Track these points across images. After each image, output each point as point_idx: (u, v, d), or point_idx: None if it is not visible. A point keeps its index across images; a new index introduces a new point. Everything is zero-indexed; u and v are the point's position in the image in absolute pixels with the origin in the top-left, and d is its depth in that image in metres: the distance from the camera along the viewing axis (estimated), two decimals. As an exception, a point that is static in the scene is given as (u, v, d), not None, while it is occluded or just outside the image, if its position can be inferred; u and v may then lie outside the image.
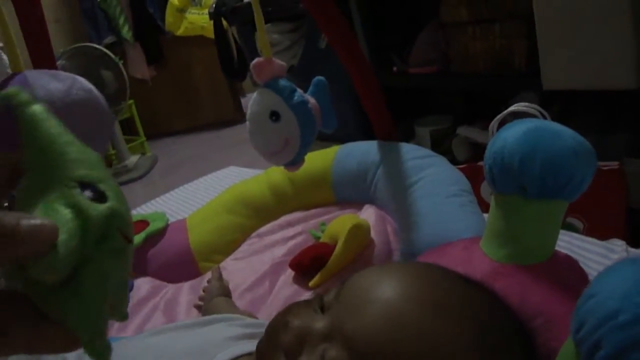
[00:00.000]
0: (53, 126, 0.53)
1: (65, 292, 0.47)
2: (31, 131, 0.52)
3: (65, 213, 0.47)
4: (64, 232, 0.46)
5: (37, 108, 0.52)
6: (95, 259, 0.48)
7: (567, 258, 0.91)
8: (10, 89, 0.52)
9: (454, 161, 1.42)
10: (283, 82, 1.04)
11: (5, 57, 3.49)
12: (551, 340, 0.69)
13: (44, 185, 0.50)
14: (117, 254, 0.51)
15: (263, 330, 0.76)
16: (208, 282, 1.20)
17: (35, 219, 0.43)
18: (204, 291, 1.20)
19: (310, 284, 1.22)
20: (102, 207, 0.50)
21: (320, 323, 0.64)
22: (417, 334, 0.58)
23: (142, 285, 1.41)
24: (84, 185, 0.50)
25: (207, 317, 0.89)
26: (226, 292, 1.12)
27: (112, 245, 0.50)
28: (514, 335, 0.64)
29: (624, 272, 0.51)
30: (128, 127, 4.67)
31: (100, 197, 0.51)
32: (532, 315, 0.68)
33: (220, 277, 1.20)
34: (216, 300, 1.09)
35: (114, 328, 1.27)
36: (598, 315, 0.48)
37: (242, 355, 0.73)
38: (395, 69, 2.63)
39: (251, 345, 0.74)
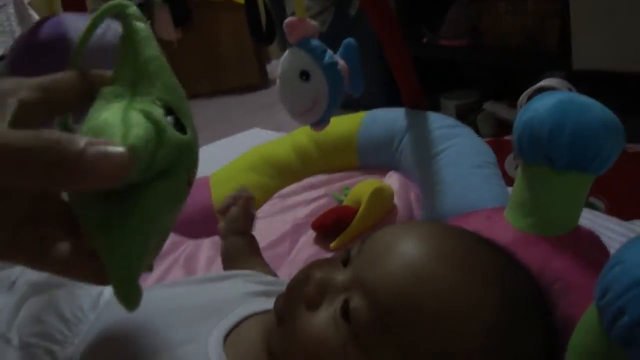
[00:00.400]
0: (155, 47, 0.53)
1: (115, 223, 0.46)
2: (135, 44, 0.52)
3: (143, 121, 0.47)
4: (141, 130, 0.45)
5: (143, 25, 0.53)
6: (154, 194, 0.48)
7: (590, 233, 0.91)
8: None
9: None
10: (314, 42, 1.04)
11: (33, 12, 3.50)
12: (569, 306, 0.69)
13: (129, 97, 0.50)
14: (176, 196, 0.51)
15: (281, 288, 0.77)
16: (230, 203, 1.09)
17: (105, 145, 0.42)
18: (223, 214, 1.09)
19: (332, 245, 1.23)
20: (180, 136, 0.50)
21: (342, 275, 0.65)
22: (437, 287, 0.59)
23: (162, 239, 1.41)
24: (168, 110, 0.51)
25: (224, 273, 0.89)
26: (248, 227, 1.08)
27: (175, 183, 0.50)
28: (534, 297, 0.64)
29: None
30: (153, 89, 4.67)
31: (179, 127, 0.51)
32: (552, 281, 0.69)
33: (246, 208, 1.08)
34: (237, 244, 1.06)
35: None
36: (624, 281, 0.48)
37: (258, 313, 0.73)
38: (425, 40, 2.62)
39: (268, 303, 0.74)
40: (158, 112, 0.49)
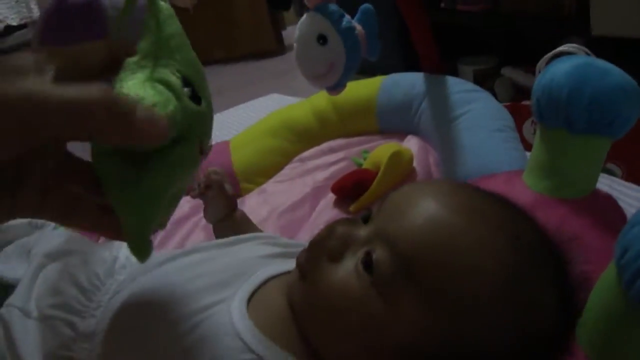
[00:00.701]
0: (177, 25, 0.58)
1: (131, 183, 0.50)
2: (159, 21, 0.56)
3: (164, 90, 0.51)
4: (164, 99, 0.50)
5: (166, 4, 0.58)
6: (168, 159, 0.52)
7: (608, 197, 0.92)
8: None
9: (496, 101, 1.42)
10: (332, 7, 1.05)
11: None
12: (586, 263, 0.71)
13: (152, 68, 0.53)
14: (188, 161, 0.55)
15: (298, 249, 0.79)
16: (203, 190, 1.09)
17: (151, 109, 0.48)
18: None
19: (351, 208, 1.24)
20: (194, 106, 0.54)
21: (363, 230, 0.66)
22: (455, 236, 0.60)
23: (184, 204, 1.42)
24: (186, 81, 0.55)
25: (241, 236, 0.89)
26: (231, 207, 1.09)
27: (187, 150, 0.54)
28: (549, 250, 0.65)
29: None
30: (168, 55, 4.67)
31: (196, 99, 0.55)
32: (568, 239, 0.70)
33: (221, 191, 1.08)
34: (227, 227, 1.05)
35: (154, 244, 1.30)
36: None
37: (277, 275, 0.74)
38: (442, 5, 2.60)
39: (286, 265, 0.76)
40: (176, 82, 0.53)
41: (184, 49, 0.59)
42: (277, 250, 0.83)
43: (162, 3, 0.57)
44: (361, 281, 0.62)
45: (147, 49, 0.56)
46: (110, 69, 0.55)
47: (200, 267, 0.76)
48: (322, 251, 0.66)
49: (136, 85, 0.51)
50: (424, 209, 0.63)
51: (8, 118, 0.43)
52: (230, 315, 0.66)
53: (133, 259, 0.84)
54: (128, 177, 0.50)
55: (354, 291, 0.62)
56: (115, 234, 0.56)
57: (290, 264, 0.75)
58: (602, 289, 0.59)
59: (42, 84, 0.45)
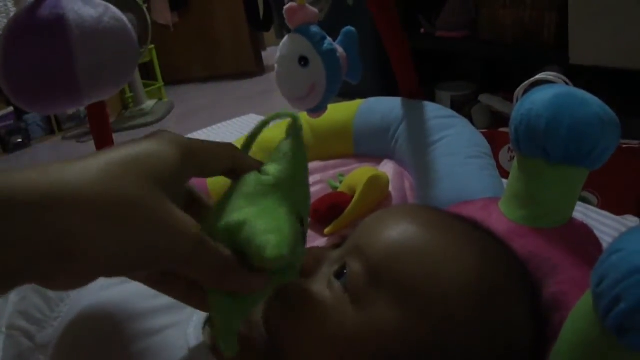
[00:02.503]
0: (306, 156, 0.64)
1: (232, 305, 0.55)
2: (299, 156, 0.62)
3: (294, 233, 0.56)
4: (294, 243, 0.55)
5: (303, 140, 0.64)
6: (269, 288, 0.58)
7: (584, 226, 0.92)
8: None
9: (472, 128, 1.43)
10: (314, 29, 1.04)
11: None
12: (558, 283, 0.73)
13: (277, 200, 0.58)
14: (279, 283, 0.59)
15: None
16: None
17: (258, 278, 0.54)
18: None
19: (326, 230, 1.24)
20: (303, 239, 0.61)
21: (336, 252, 0.69)
22: (423, 246, 0.63)
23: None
24: (300, 220, 0.60)
25: None
26: None
27: (288, 278, 0.59)
28: (517, 268, 0.69)
29: None
30: (147, 72, 4.66)
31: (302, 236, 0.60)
32: (541, 261, 0.72)
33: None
34: None
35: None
36: (621, 269, 0.49)
37: None
38: (422, 30, 2.62)
39: None
40: (293, 218, 0.58)
41: (306, 187, 0.64)
42: None
43: (303, 140, 0.63)
44: (334, 291, 0.63)
45: (278, 174, 0.60)
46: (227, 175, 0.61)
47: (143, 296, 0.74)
48: None
49: (266, 211, 0.56)
50: (394, 224, 0.66)
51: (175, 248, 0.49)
52: (187, 339, 0.66)
53: None
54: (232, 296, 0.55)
55: (327, 301, 0.63)
56: (202, 308, 0.60)
57: None
58: (578, 317, 0.58)
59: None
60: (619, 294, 0.48)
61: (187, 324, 0.67)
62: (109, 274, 0.47)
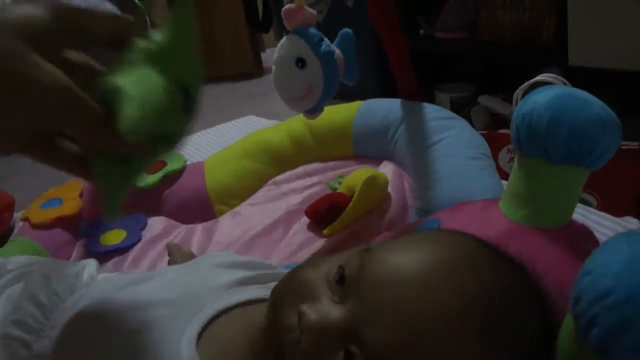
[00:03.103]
0: (195, 30, 0.63)
1: (114, 167, 0.58)
2: (182, 20, 0.61)
3: (162, 93, 0.57)
4: (159, 101, 0.55)
5: (191, 9, 0.62)
6: (149, 157, 0.60)
7: (584, 227, 0.91)
8: None
9: (472, 130, 1.43)
10: (312, 30, 1.04)
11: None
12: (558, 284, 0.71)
13: (161, 64, 0.58)
14: (165, 154, 0.61)
15: (257, 272, 0.80)
16: (170, 256, 1.13)
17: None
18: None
19: (325, 231, 1.24)
20: (184, 116, 0.61)
21: (338, 314, 0.59)
22: (434, 343, 0.56)
23: (156, 224, 1.42)
24: (186, 91, 0.60)
25: (196, 259, 0.88)
26: (193, 257, 1.11)
27: (166, 148, 0.60)
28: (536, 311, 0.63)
29: (619, 249, 0.51)
30: (147, 73, 4.66)
31: (187, 105, 0.61)
32: (542, 274, 0.69)
33: (177, 247, 1.14)
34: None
35: (126, 265, 1.29)
36: (592, 293, 0.49)
37: (231, 306, 0.72)
38: (421, 32, 2.62)
39: (240, 294, 0.74)
40: (173, 88, 0.58)
41: (193, 55, 0.63)
42: (234, 276, 0.79)
43: (190, 8, 0.61)
44: None
45: (161, 42, 0.59)
46: (114, 44, 0.59)
47: (155, 296, 0.73)
48: (295, 346, 0.59)
49: (142, 80, 0.56)
50: (404, 309, 0.57)
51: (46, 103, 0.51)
52: (180, 352, 0.64)
53: (96, 277, 0.83)
54: (111, 161, 0.58)
55: None
56: (87, 180, 0.64)
57: (248, 293, 0.73)
58: (563, 337, 0.59)
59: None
60: (592, 317, 0.49)
61: (179, 337, 0.66)
62: None
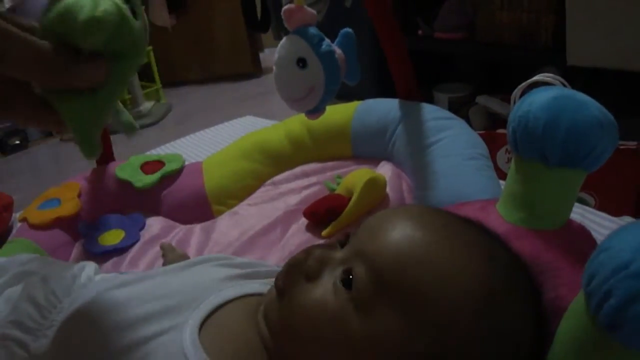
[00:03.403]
0: None
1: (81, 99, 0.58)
2: None
3: (110, 3, 0.57)
4: (108, 6, 0.56)
5: None
6: (115, 77, 0.59)
7: (581, 228, 0.92)
8: None
9: (470, 130, 1.43)
10: (312, 30, 1.04)
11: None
12: (557, 287, 0.73)
13: None
14: (126, 76, 0.62)
15: (253, 270, 0.81)
16: (164, 257, 1.18)
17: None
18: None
19: (323, 233, 1.24)
20: (135, 21, 0.61)
21: (340, 253, 0.68)
22: (431, 252, 0.63)
23: (154, 224, 1.42)
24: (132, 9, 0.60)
25: (196, 259, 0.88)
26: (187, 258, 1.12)
27: (131, 65, 0.61)
28: (522, 272, 0.69)
29: (636, 230, 0.52)
30: (144, 74, 4.65)
31: (134, 14, 0.61)
32: (542, 269, 0.71)
33: (171, 248, 1.18)
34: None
35: (124, 265, 1.29)
36: (610, 266, 0.50)
37: (233, 299, 0.74)
38: (420, 32, 2.62)
39: (242, 288, 0.76)
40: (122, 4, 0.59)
41: None
42: (233, 272, 0.82)
43: None
44: (339, 297, 0.62)
45: None
46: None
47: (156, 293, 0.74)
48: (299, 271, 0.67)
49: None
50: (400, 227, 0.65)
51: None
52: (182, 345, 0.65)
53: (94, 278, 0.83)
54: (75, 98, 0.58)
55: (333, 307, 0.62)
56: (53, 127, 0.63)
57: (248, 287, 0.74)
58: (572, 317, 0.59)
59: None
60: (608, 290, 0.49)
61: (182, 328, 0.67)
62: None
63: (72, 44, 0.56)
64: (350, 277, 0.63)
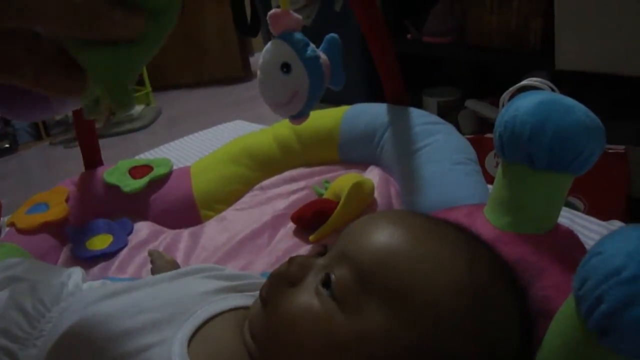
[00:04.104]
0: None
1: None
2: None
3: None
4: None
5: None
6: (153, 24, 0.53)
7: (569, 232, 0.92)
8: None
9: (459, 134, 1.43)
10: (297, 35, 1.04)
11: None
12: (543, 288, 0.74)
13: None
14: (164, 32, 0.56)
15: (244, 282, 0.80)
16: (152, 264, 1.14)
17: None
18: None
19: (311, 238, 1.23)
20: None
21: (322, 259, 0.68)
22: (411, 250, 0.63)
23: (142, 228, 1.41)
24: None
25: (184, 269, 0.87)
26: (175, 265, 1.12)
27: (167, 18, 0.55)
28: (505, 271, 0.68)
29: (629, 234, 0.52)
30: (135, 77, 4.64)
31: None
32: (528, 269, 0.72)
33: (159, 255, 1.17)
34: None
35: (112, 270, 1.28)
36: (602, 271, 0.50)
37: (221, 312, 0.73)
38: (409, 36, 2.62)
39: (230, 301, 0.75)
40: None
41: None
42: (222, 284, 0.80)
43: None
44: (323, 300, 0.62)
45: None
46: None
47: (142, 304, 0.73)
48: (282, 279, 0.67)
49: None
50: (381, 229, 0.66)
51: None
52: (171, 358, 0.64)
53: (82, 286, 0.82)
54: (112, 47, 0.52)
55: (317, 310, 0.62)
56: (73, 91, 0.54)
57: (237, 300, 0.74)
58: (561, 321, 0.59)
59: None
60: (600, 295, 0.49)
61: (171, 342, 0.66)
62: None
63: None
64: (333, 278, 0.63)
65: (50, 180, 1.76)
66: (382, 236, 0.64)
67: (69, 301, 0.80)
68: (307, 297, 0.64)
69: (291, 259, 0.69)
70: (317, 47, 1.07)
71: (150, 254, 1.12)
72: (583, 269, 0.52)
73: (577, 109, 0.83)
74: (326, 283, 0.63)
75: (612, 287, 0.48)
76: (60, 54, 0.51)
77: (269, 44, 1.06)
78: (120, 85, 0.54)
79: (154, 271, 1.08)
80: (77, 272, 0.93)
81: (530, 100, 0.85)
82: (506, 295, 0.65)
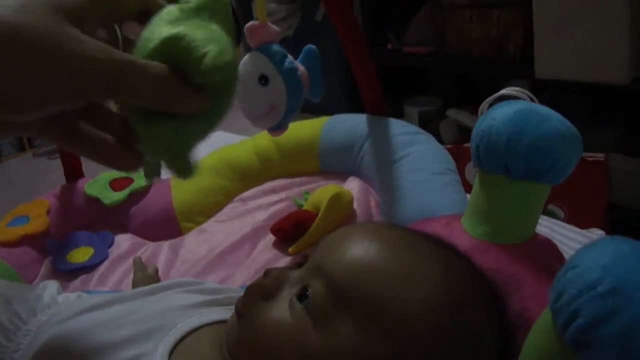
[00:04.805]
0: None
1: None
2: None
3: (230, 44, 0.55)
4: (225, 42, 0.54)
5: None
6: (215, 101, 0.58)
7: (547, 241, 0.92)
8: None
9: (440, 143, 1.43)
10: (275, 47, 1.04)
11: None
12: (522, 300, 0.73)
13: (208, 20, 0.57)
14: (223, 110, 0.60)
15: (224, 296, 0.80)
16: (134, 274, 1.17)
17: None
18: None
19: (290, 249, 1.23)
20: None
21: (298, 272, 0.67)
22: (387, 264, 0.62)
23: (123, 241, 1.41)
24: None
25: (164, 283, 0.87)
26: (156, 278, 1.11)
27: (226, 101, 0.59)
28: (483, 283, 0.68)
29: (605, 247, 0.51)
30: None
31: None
32: (506, 279, 0.71)
33: (142, 267, 1.17)
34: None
35: (92, 283, 1.28)
36: (578, 285, 0.49)
37: (201, 326, 0.73)
38: (389, 46, 2.62)
39: (210, 314, 0.75)
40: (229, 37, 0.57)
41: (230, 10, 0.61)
42: (202, 298, 0.80)
43: None
44: (296, 314, 0.62)
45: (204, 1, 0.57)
46: (143, 20, 0.58)
47: (123, 318, 0.73)
48: (257, 292, 0.66)
49: (193, 26, 0.54)
50: (357, 242, 0.65)
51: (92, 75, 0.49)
52: None
53: (57, 298, 0.82)
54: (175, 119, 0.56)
55: (290, 324, 0.62)
56: (130, 166, 0.61)
57: (217, 314, 0.74)
58: (538, 333, 0.59)
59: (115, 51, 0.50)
60: (576, 310, 0.49)
61: (152, 355, 0.66)
62: (26, 107, 0.49)
63: (181, 71, 0.54)
64: (307, 292, 0.63)
65: (34, 191, 1.75)
66: (357, 250, 0.64)
67: (47, 313, 0.80)
68: (281, 311, 0.63)
69: (267, 272, 0.68)
70: (295, 58, 1.07)
71: (135, 263, 1.12)
72: (559, 283, 0.52)
73: (553, 118, 0.83)
74: (301, 296, 0.63)
75: (588, 301, 0.48)
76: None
77: (246, 56, 1.05)
78: (183, 156, 0.58)
79: (134, 283, 1.08)
80: (52, 285, 0.93)
81: (506, 110, 0.85)
82: (482, 309, 0.65)
